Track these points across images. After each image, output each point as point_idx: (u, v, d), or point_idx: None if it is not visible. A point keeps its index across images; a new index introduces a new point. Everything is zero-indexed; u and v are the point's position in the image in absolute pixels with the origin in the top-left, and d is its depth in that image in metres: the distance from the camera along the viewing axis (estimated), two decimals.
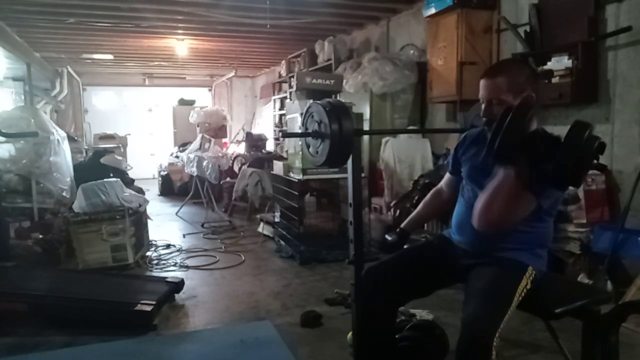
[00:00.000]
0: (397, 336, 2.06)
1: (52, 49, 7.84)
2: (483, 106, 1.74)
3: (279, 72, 9.02)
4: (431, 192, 2.16)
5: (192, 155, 6.32)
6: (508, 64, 1.82)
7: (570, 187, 1.92)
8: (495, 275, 1.68)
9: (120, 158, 5.85)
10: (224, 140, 8.91)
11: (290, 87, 8.07)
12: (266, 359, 2.44)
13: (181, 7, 5.47)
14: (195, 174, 6.25)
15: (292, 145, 4.46)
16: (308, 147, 1.93)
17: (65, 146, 4.68)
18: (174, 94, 11.04)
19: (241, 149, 8.79)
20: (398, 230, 2.09)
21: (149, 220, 4.76)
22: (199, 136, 6.87)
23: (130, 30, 6.59)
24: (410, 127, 5.03)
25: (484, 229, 1.64)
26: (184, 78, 11.68)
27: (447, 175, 2.09)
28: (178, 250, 4.63)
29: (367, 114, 5.13)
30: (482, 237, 1.74)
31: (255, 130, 10.39)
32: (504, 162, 1.56)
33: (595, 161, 1.54)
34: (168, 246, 4.75)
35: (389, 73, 4.92)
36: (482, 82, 1.74)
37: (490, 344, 1.47)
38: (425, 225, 3.77)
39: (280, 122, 9.08)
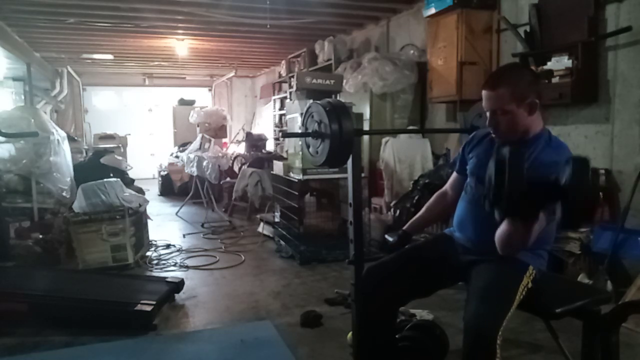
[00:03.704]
0: (397, 336, 2.06)
1: (52, 49, 7.84)
2: (488, 115, 1.73)
3: (279, 72, 9.03)
4: (435, 194, 2.14)
5: (192, 155, 6.32)
6: (508, 72, 1.78)
7: None
8: (496, 274, 1.68)
9: (120, 158, 5.84)
10: (224, 140, 8.91)
11: (290, 87, 8.08)
12: (266, 359, 2.44)
13: (181, 7, 5.47)
14: (195, 174, 6.25)
15: (292, 145, 4.46)
16: (308, 147, 1.93)
17: (65, 146, 4.67)
18: (174, 94, 11.05)
19: (241, 149, 8.79)
20: (400, 232, 2.08)
21: (149, 220, 4.76)
22: (199, 136, 6.86)
23: (130, 30, 6.59)
24: (410, 127, 5.03)
25: (509, 255, 1.69)
26: (184, 78, 11.68)
27: (454, 175, 2.07)
28: (178, 250, 4.63)
29: (367, 114, 5.13)
30: (483, 235, 1.74)
31: (255, 130, 10.39)
32: (512, 216, 1.53)
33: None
34: (168, 246, 4.75)
35: (389, 73, 4.92)
36: (484, 93, 1.72)
37: (494, 342, 1.48)
38: None
39: (280, 122, 9.08)
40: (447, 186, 2.11)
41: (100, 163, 5.47)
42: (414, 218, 2.13)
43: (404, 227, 2.10)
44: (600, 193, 3.19)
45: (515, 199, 1.42)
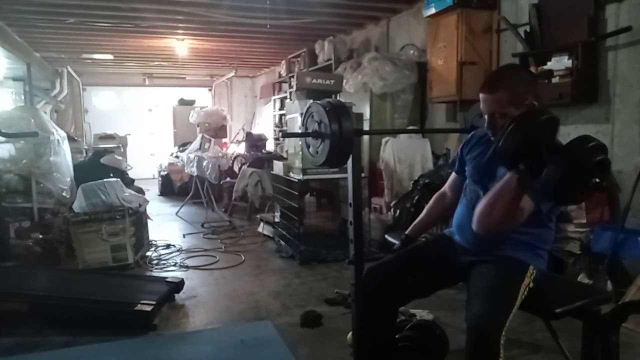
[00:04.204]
0: (397, 336, 2.06)
1: (52, 49, 7.84)
2: (486, 118, 1.72)
3: (279, 72, 9.02)
4: (434, 197, 2.14)
5: (192, 155, 6.32)
6: (506, 75, 1.76)
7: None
8: (497, 274, 1.68)
9: (120, 158, 5.85)
10: (224, 140, 8.91)
11: (290, 87, 8.07)
12: (266, 359, 2.44)
13: (181, 7, 5.47)
14: (195, 174, 6.25)
15: (292, 145, 4.46)
16: (308, 147, 1.93)
17: (65, 146, 4.67)
18: (174, 94, 11.04)
19: (241, 149, 8.79)
20: (403, 237, 2.09)
21: (149, 220, 4.76)
22: (199, 136, 6.87)
23: (130, 30, 6.59)
24: (410, 127, 5.03)
25: (483, 234, 1.65)
26: (184, 78, 11.68)
27: (452, 176, 2.07)
28: (178, 250, 4.63)
29: (367, 114, 5.13)
30: (481, 238, 1.74)
31: (255, 130, 10.39)
32: (505, 166, 1.53)
33: (596, 180, 1.38)
34: (168, 246, 4.75)
35: (389, 73, 4.92)
36: (481, 96, 1.71)
37: (497, 342, 1.47)
38: None
39: (280, 122, 9.08)
40: (445, 187, 2.11)
41: (100, 163, 5.47)
42: (415, 221, 2.13)
43: (407, 232, 2.11)
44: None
45: (512, 145, 1.42)
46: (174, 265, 4.12)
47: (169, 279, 3.35)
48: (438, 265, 1.91)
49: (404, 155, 4.72)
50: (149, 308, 2.74)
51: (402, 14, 5.70)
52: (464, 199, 1.92)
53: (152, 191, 8.11)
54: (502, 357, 1.48)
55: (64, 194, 4.45)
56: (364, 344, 1.91)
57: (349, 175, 1.84)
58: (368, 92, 5.10)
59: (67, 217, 4.03)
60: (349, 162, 1.82)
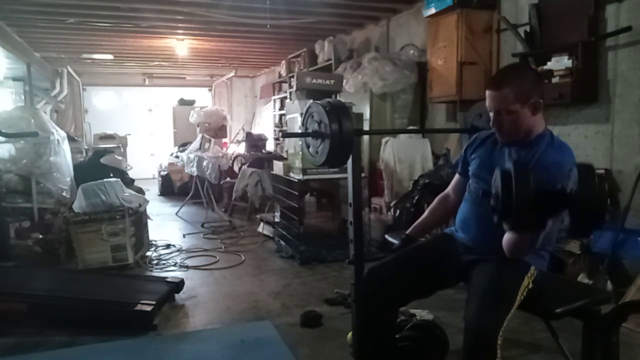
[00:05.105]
0: (397, 336, 2.06)
1: (52, 49, 7.84)
2: (492, 115, 1.73)
3: (279, 72, 9.03)
4: (437, 198, 2.14)
5: (192, 155, 6.32)
6: (512, 72, 1.78)
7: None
8: (497, 274, 1.68)
9: (120, 158, 5.85)
10: (224, 140, 8.91)
11: (290, 87, 8.08)
12: (266, 359, 2.44)
13: (181, 7, 5.47)
14: (195, 174, 6.25)
15: (292, 145, 4.46)
16: (308, 147, 1.93)
17: (65, 146, 4.67)
18: (174, 94, 11.05)
19: (241, 149, 8.79)
20: (404, 236, 2.09)
21: (149, 220, 4.76)
22: (199, 136, 6.87)
23: (130, 30, 6.59)
24: (410, 127, 5.03)
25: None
26: (184, 78, 11.68)
27: (456, 177, 2.07)
28: (178, 250, 4.63)
29: (367, 114, 5.13)
30: (486, 235, 1.74)
31: (255, 130, 10.39)
32: (522, 231, 1.55)
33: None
34: (168, 246, 4.75)
35: (389, 73, 4.92)
36: (488, 93, 1.73)
37: (495, 342, 1.48)
38: None
39: (280, 122, 9.08)
40: (449, 189, 2.11)
41: (100, 163, 5.47)
42: (417, 222, 2.13)
43: (407, 232, 2.11)
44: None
45: (524, 215, 1.42)
46: (174, 265, 4.12)
47: (169, 279, 3.35)
48: (439, 265, 1.91)
49: (404, 155, 4.72)
50: (149, 308, 2.74)
51: (402, 14, 5.70)
52: (468, 196, 1.93)
53: (152, 191, 8.11)
54: (500, 357, 1.48)
55: (64, 194, 4.45)
56: (364, 344, 1.91)
57: (349, 175, 1.85)
58: (368, 92, 5.10)
59: (67, 217, 4.03)
60: (349, 162, 1.82)
